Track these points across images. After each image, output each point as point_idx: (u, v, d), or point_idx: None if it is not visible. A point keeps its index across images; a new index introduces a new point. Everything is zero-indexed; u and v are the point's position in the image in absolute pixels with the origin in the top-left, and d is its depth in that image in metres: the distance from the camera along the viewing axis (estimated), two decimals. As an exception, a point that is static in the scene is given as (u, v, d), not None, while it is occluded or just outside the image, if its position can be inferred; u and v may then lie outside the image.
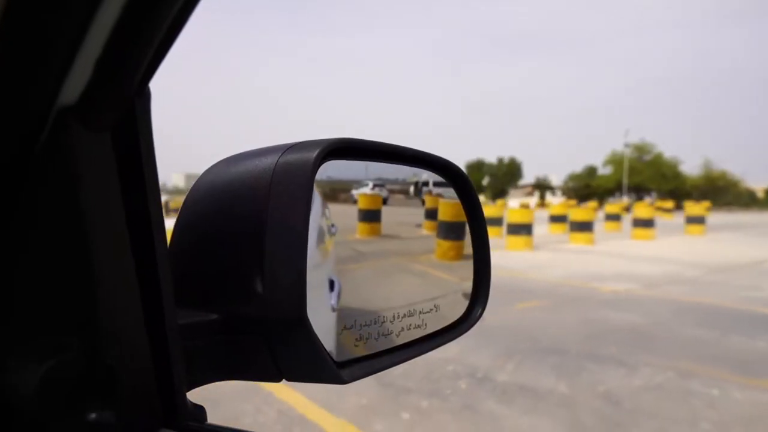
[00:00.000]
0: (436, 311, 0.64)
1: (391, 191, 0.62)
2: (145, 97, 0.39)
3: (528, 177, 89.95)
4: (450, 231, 0.68)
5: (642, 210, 18.09)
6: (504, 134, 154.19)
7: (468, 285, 0.69)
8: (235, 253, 0.47)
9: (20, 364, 0.38)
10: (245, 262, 0.46)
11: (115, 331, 0.40)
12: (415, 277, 0.65)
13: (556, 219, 20.57)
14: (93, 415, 0.39)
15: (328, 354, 0.48)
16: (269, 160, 0.48)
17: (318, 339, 0.46)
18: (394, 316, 0.58)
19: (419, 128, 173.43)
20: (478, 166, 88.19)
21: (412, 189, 0.65)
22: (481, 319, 0.68)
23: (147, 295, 0.41)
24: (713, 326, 5.68)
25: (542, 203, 51.00)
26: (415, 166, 0.66)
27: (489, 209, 18.84)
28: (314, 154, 0.47)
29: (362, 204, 0.59)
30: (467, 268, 0.71)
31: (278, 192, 0.46)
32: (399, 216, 0.63)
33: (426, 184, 0.66)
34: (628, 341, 5.18)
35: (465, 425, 3.28)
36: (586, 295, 7.58)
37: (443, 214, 0.69)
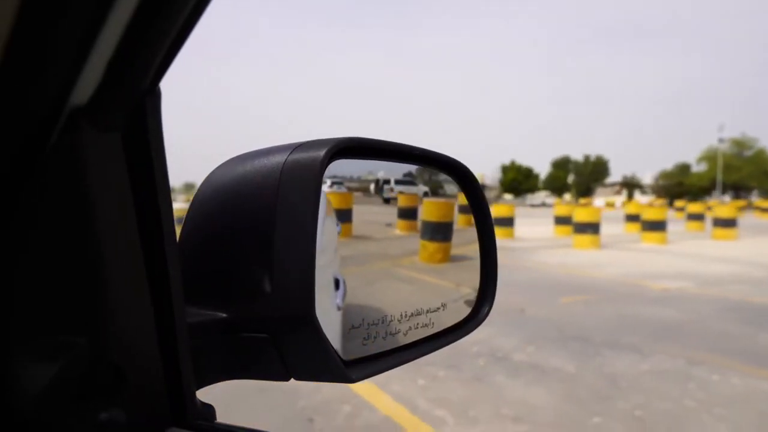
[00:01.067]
0: (443, 310, 0.62)
1: (349, 189, 0.58)
2: (155, 96, 0.37)
3: (615, 175, 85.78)
4: (436, 232, 0.65)
5: (722, 209, 17.00)
6: (591, 131, 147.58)
7: (465, 290, 0.66)
8: (244, 251, 0.45)
9: (29, 364, 0.37)
10: (254, 261, 0.44)
11: (124, 331, 0.38)
12: (405, 284, 0.61)
13: (632, 218, 19.85)
14: (102, 415, 0.38)
15: (336, 353, 0.46)
16: (277, 159, 0.46)
17: (326, 338, 0.44)
18: (401, 315, 0.56)
19: (506, 123, 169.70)
20: (563, 163, 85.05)
21: (372, 187, 0.61)
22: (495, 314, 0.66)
23: (157, 294, 0.40)
24: (752, 324, 5.43)
25: (629, 202, 48.68)
26: (422, 165, 0.64)
27: (562, 208, 18.64)
28: (322, 153, 0.45)
29: (333, 203, 0.55)
30: (459, 271, 0.68)
31: (287, 190, 0.44)
32: (363, 215, 0.59)
33: (387, 182, 0.62)
34: (655, 333, 5.12)
35: (469, 391, 3.63)
36: (634, 292, 7.39)
37: (429, 214, 0.64)
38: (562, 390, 3.66)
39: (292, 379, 0.47)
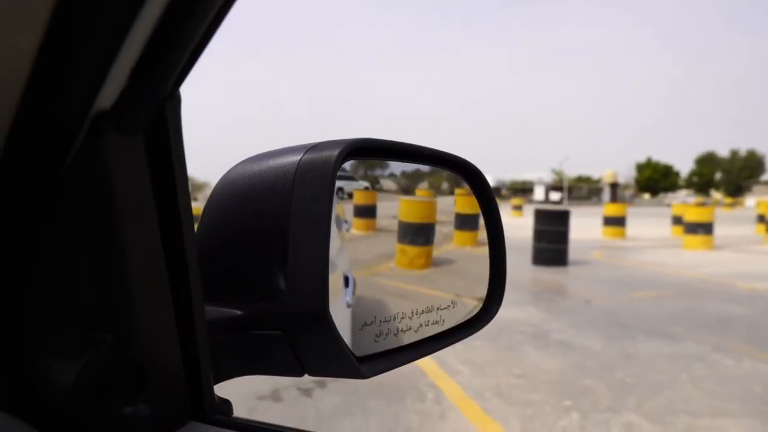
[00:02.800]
0: (453, 308, 0.62)
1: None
2: (175, 100, 0.37)
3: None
4: (418, 235, 0.61)
5: None
6: (742, 124, 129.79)
7: (469, 301, 0.64)
8: (259, 250, 0.45)
9: (56, 360, 0.37)
10: (268, 259, 0.44)
11: (146, 328, 0.39)
12: (398, 298, 0.58)
13: (762, 219, 17.89)
14: (127, 409, 0.39)
15: (349, 349, 0.45)
16: (292, 159, 0.46)
17: (340, 335, 0.44)
18: (412, 312, 0.56)
19: (639, 119, 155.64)
20: (708, 160, 76.54)
21: None
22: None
23: (177, 292, 0.40)
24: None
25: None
26: (433, 166, 0.62)
27: (679, 208, 17.28)
28: (335, 153, 0.44)
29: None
30: (448, 277, 0.65)
31: (301, 190, 0.44)
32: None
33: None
34: (704, 326, 5.14)
35: (495, 356, 4.17)
36: (715, 290, 7.19)
37: (409, 215, 0.60)
38: (575, 361, 4.12)
39: (306, 375, 0.47)
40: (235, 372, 0.48)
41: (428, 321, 0.58)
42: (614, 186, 66.98)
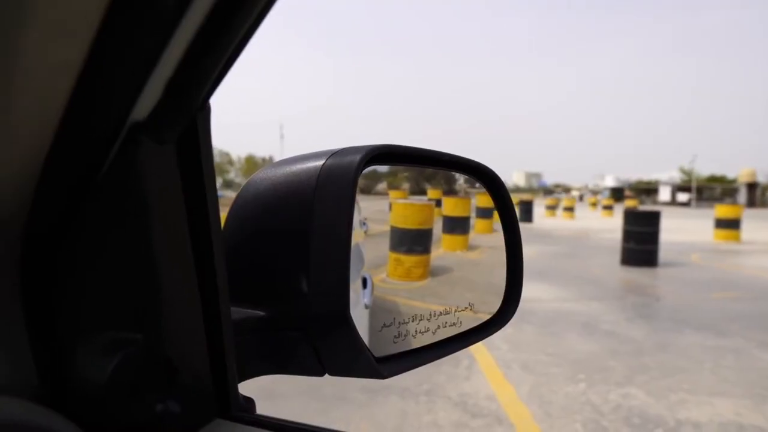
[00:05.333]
0: (471, 308, 0.60)
1: None
2: (206, 111, 0.37)
3: None
4: (416, 242, 0.59)
5: None
6: None
7: (485, 317, 0.61)
8: (282, 252, 0.45)
9: (92, 359, 0.37)
10: (291, 262, 0.44)
11: (176, 328, 0.39)
12: (416, 322, 0.54)
13: None
14: (158, 405, 0.38)
15: (368, 350, 0.45)
16: (315, 164, 0.46)
17: (360, 336, 0.43)
18: (430, 314, 0.55)
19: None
20: None
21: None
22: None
23: (204, 294, 0.40)
24: None
25: None
26: (451, 170, 0.61)
27: None
28: (357, 158, 0.44)
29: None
30: (453, 288, 0.62)
31: (323, 195, 0.44)
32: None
33: None
34: (766, 327, 4.87)
35: (537, 338, 4.37)
36: None
37: (404, 220, 0.58)
38: (610, 347, 4.19)
39: (327, 375, 0.46)
40: (259, 371, 0.47)
41: (446, 323, 0.56)
42: (752, 186, 58.46)
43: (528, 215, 21.58)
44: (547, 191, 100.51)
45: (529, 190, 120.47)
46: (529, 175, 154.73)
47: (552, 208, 28.77)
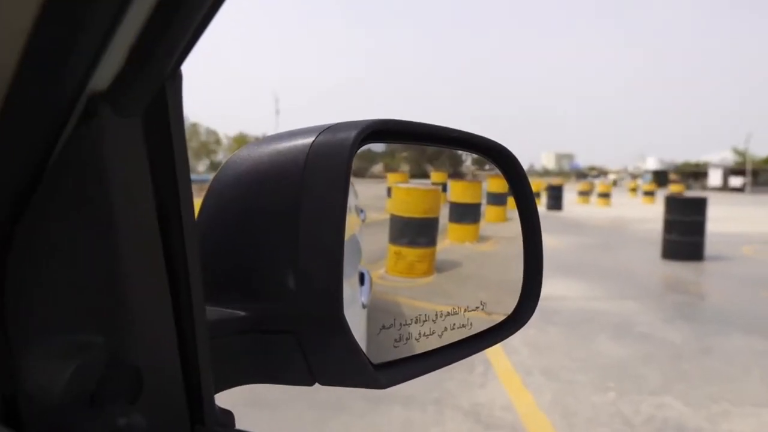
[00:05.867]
0: (483, 309, 0.60)
1: None
2: (177, 79, 0.36)
3: None
4: (420, 233, 0.58)
5: None
6: None
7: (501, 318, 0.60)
8: (265, 244, 0.44)
9: (45, 365, 0.36)
10: (276, 254, 0.43)
11: (142, 330, 0.38)
12: (429, 337, 0.54)
13: None
14: (120, 420, 0.37)
15: (365, 356, 0.44)
16: (303, 142, 0.45)
17: (355, 339, 0.42)
18: (436, 315, 0.54)
19: None
20: None
21: None
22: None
23: (176, 291, 0.39)
24: None
25: None
26: (459, 149, 0.61)
27: None
28: (352, 135, 0.43)
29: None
30: (463, 286, 0.62)
31: (313, 177, 0.43)
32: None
33: None
34: None
35: (563, 341, 4.45)
36: None
37: (407, 208, 0.57)
38: (645, 351, 4.24)
39: (317, 384, 0.46)
40: (239, 380, 0.47)
41: (454, 324, 0.55)
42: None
43: (557, 202, 21.51)
44: (580, 175, 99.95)
45: (560, 173, 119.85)
46: (560, 157, 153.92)
47: (585, 194, 28.63)
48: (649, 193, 29.15)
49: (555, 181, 28.30)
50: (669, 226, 9.43)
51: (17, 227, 0.36)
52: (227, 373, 0.45)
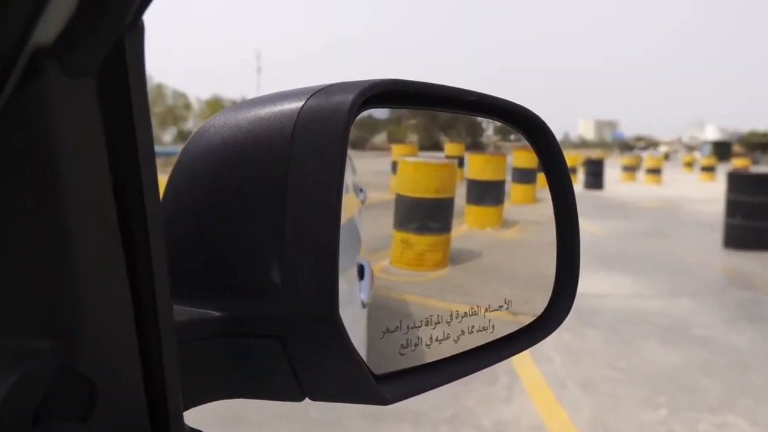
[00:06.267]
0: (508, 308, 0.59)
1: None
2: (137, 32, 0.36)
3: None
4: (432, 217, 0.58)
5: None
6: None
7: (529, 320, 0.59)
8: (245, 231, 0.44)
9: None
10: (258, 244, 0.43)
11: (96, 334, 0.38)
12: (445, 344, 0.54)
13: None
14: None
15: (366, 365, 0.44)
16: (290, 107, 0.44)
17: (352, 345, 0.42)
18: (451, 316, 0.54)
19: None
20: None
21: None
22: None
23: (137, 287, 0.39)
24: None
25: None
26: (478, 116, 0.60)
27: None
28: (350, 98, 0.43)
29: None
30: (482, 281, 0.62)
31: (302, 150, 0.42)
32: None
33: None
34: None
35: (603, 347, 4.51)
36: None
37: (416, 186, 0.56)
38: (703, 358, 4.28)
39: (307, 399, 0.46)
40: (212, 394, 0.47)
41: (473, 327, 0.55)
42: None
43: (597, 180, 21.54)
44: (625, 146, 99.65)
45: (600, 144, 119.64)
46: (601, 125, 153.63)
47: (631, 169, 28.52)
48: (708, 169, 29.03)
49: (594, 154, 28.19)
50: (732, 208, 9.41)
51: None
52: (199, 385, 0.45)
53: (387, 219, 0.56)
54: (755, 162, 46.75)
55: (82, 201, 0.37)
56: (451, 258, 0.59)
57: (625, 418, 3.40)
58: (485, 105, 0.57)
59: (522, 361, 4.22)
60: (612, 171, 27.18)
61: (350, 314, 0.45)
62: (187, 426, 0.43)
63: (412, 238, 0.56)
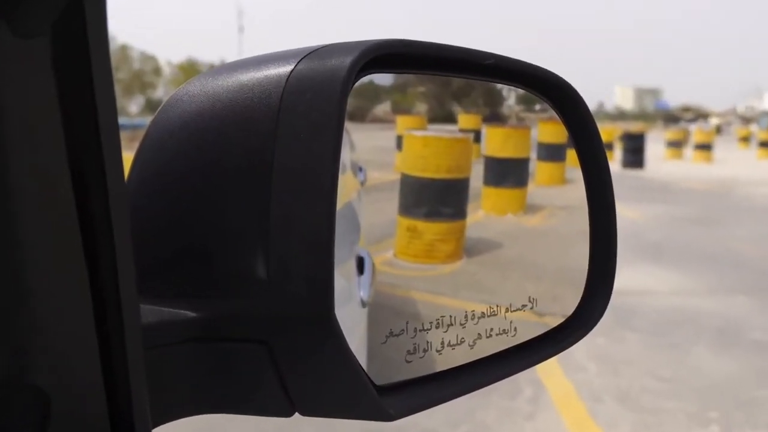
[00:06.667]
0: (532, 308, 0.59)
1: None
2: None
3: None
4: (443, 200, 0.58)
5: None
6: None
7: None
8: (224, 217, 0.44)
9: None
10: (239, 232, 0.43)
11: (51, 338, 0.38)
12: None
13: None
14: None
15: (366, 374, 0.44)
16: (278, 72, 0.44)
17: (351, 351, 0.42)
18: (467, 317, 0.54)
19: None
20: None
21: None
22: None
23: (98, 283, 0.38)
24: None
25: None
26: (498, 82, 0.60)
27: None
28: (347, 62, 0.43)
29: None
30: (503, 276, 0.63)
31: (291, 122, 0.42)
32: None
33: None
34: None
35: (648, 351, 4.58)
36: None
37: (425, 165, 0.56)
38: (762, 366, 4.31)
39: (297, 414, 0.46)
40: (185, 408, 0.47)
41: (491, 330, 0.56)
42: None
43: (637, 157, 21.53)
44: (670, 118, 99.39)
45: (641, 116, 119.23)
46: (641, 93, 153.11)
47: (676, 145, 28.54)
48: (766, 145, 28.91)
49: (634, 127, 28.12)
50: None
51: None
52: (169, 397, 0.45)
53: (391, 203, 0.56)
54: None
55: (34, 183, 0.37)
56: (466, 249, 0.59)
57: (670, 437, 3.41)
58: (506, 69, 0.57)
59: (549, 369, 4.24)
60: (654, 147, 27.14)
61: (348, 314, 0.45)
62: None
63: (421, 225, 0.56)
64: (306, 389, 0.45)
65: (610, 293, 0.62)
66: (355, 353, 0.43)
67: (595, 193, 0.62)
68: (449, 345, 0.53)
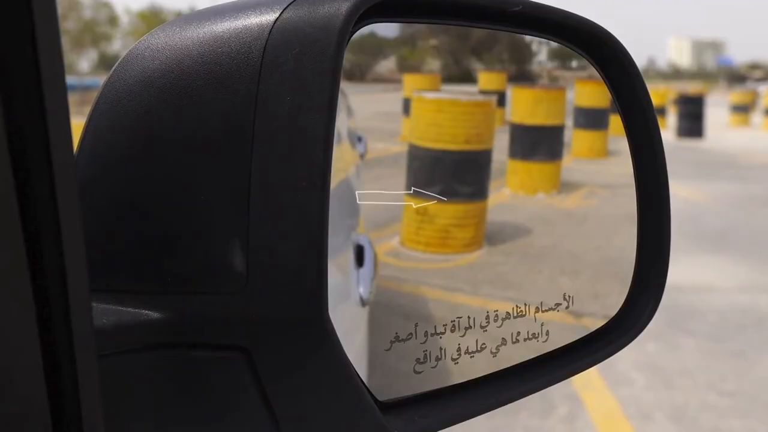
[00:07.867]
0: (568, 307, 0.59)
1: None
2: None
3: None
4: (460, 178, 0.57)
5: None
6: None
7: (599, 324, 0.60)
8: (194, 198, 0.44)
9: None
10: (212, 217, 0.44)
11: None
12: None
13: None
14: None
15: (366, 388, 0.44)
16: (258, 22, 0.44)
17: (348, 359, 0.42)
18: (488, 318, 0.54)
19: None
20: None
21: None
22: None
23: (40, 278, 0.38)
24: None
25: None
26: (526, 33, 0.60)
27: None
28: (343, 9, 0.43)
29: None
30: (532, 269, 0.63)
31: (275, 83, 0.42)
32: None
33: None
34: None
35: (709, 361, 4.60)
36: None
37: (435, 133, 0.56)
38: None
39: None
40: (147, 427, 0.47)
41: (518, 335, 0.56)
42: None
43: (695, 124, 21.58)
44: (735, 77, 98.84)
45: (700, 74, 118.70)
46: (700, 47, 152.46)
47: (743, 109, 28.51)
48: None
49: (692, 88, 28.03)
50: None
51: None
52: (129, 415, 0.46)
53: (397, 180, 0.56)
54: None
55: None
56: (488, 236, 0.59)
57: (733, 463, 3.43)
58: (536, 18, 0.57)
59: (588, 382, 4.25)
60: (717, 112, 27.08)
61: (344, 315, 0.46)
62: None
63: (433, 207, 0.55)
64: (293, 406, 0.45)
65: (662, 290, 0.62)
66: (353, 362, 0.44)
67: (645, 168, 0.62)
68: (467, 352, 0.54)
